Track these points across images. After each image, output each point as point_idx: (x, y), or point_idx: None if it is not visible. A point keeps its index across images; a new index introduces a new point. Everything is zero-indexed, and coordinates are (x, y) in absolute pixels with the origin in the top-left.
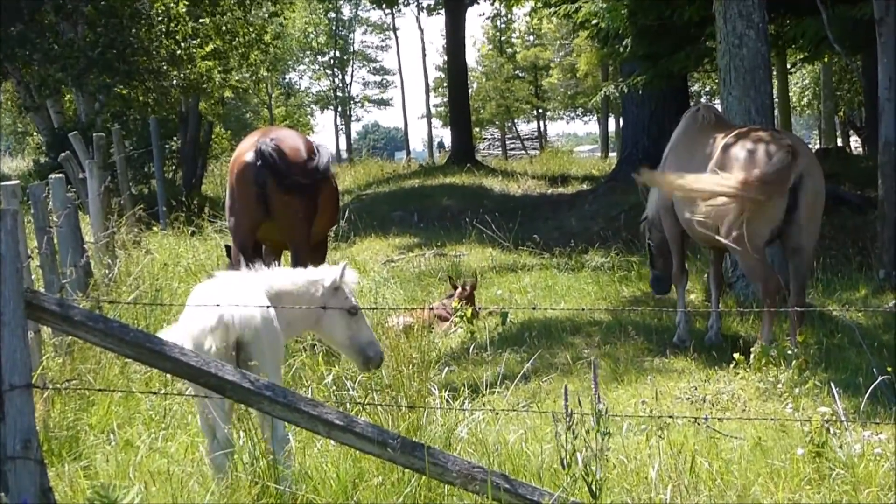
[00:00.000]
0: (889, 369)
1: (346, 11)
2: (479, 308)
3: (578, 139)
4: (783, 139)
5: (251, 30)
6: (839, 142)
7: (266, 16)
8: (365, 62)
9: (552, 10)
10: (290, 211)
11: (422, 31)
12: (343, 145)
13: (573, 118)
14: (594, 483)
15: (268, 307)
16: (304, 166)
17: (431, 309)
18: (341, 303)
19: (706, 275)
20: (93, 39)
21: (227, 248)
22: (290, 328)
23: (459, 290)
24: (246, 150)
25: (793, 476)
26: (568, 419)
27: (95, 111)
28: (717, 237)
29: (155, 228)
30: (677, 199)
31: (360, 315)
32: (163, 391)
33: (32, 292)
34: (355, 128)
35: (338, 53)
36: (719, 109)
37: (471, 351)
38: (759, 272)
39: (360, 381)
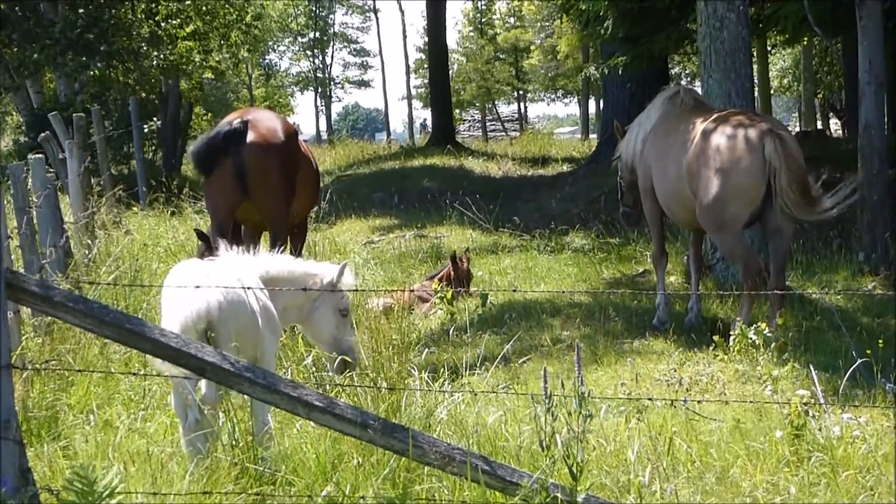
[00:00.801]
0: (868, 352)
1: None
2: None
3: (559, 121)
4: (762, 123)
5: (231, 10)
6: (819, 124)
7: None
8: (345, 43)
9: None
10: (266, 191)
11: (402, 12)
12: (323, 126)
13: (553, 100)
14: (574, 465)
15: (261, 289)
16: (275, 147)
17: (412, 290)
18: (336, 302)
19: (686, 256)
20: (72, 19)
21: (199, 232)
22: (282, 316)
23: (461, 263)
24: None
25: (771, 458)
26: (547, 401)
27: (75, 91)
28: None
29: (135, 209)
30: (657, 183)
31: (349, 318)
32: (142, 372)
33: (12, 273)
34: (335, 109)
35: (318, 34)
36: (699, 92)
37: (451, 333)
38: (739, 254)
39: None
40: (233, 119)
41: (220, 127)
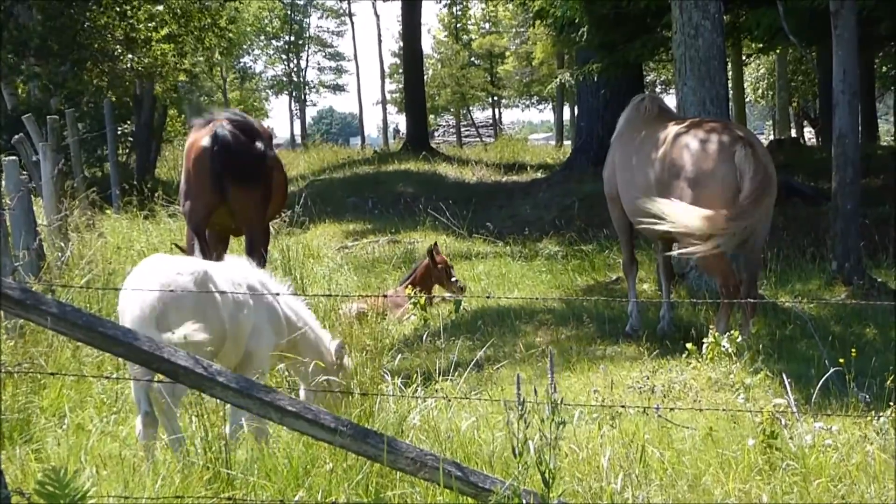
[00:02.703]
0: (841, 361)
1: None
2: (456, 281)
3: (533, 127)
4: (732, 131)
5: (206, 14)
6: (793, 133)
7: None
8: (320, 47)
9: None
10: (246, 196)
11: (378, 16)
12: (297, 130)
13: (528, 106)
14: (547, 472)
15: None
16: (255, 152)
17: (385, 296)
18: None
19: (657, 263)
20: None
21: (178, 247)
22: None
23: (439, 256)
24: (203, 136)
25: (744, 466)
26: (520, 407)
27: (49, 94)
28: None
29: (108, 212)
30: (623, 192)
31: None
32: (115, 375)
33: None
34: (310, 113)
35: (293, 38)
36: (666, 101)
37: (424, 338)
38: (719, 268)
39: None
40: (213, 123)
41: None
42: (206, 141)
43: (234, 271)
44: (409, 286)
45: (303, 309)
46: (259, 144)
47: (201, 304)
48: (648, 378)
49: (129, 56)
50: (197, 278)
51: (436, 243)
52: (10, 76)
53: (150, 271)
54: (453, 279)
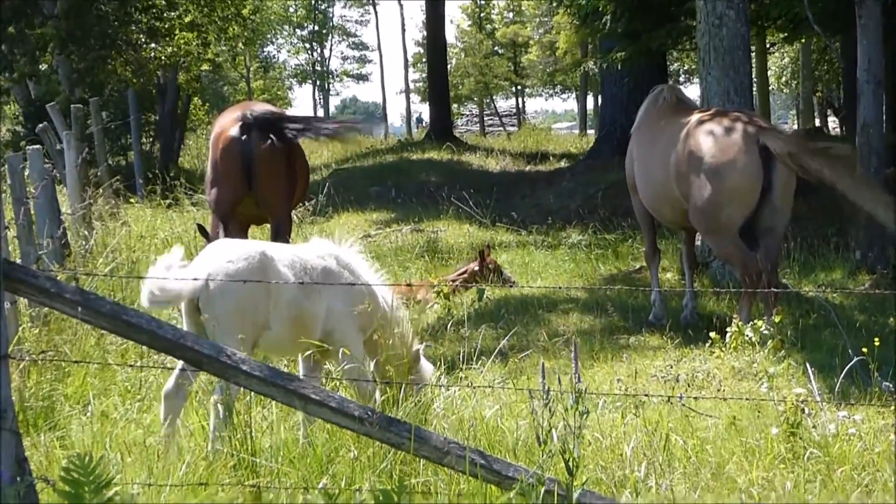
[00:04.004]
0: (864, 350)
1: None
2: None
3: (556, 116)
4: (754, 122)
5: (229, 3)
6: (817, 122)
7: None
8: (344, 36)
9: None
10: (273, 185)
11: (401, 5)
12: None
13: (551, 95)
14: (571, 460)
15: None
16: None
17: (409, 285)
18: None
19: (681, 252)
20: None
21: (200, 227)
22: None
23: (488, 256)
24: (229, 126)
25: (767, 455)
26: (545, 396)
27: (74, 82)
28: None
29: (132, 200)
30: (640, 184)
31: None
32: (139, 363)
33: (10, 264)
34: (333, 102)
35: (317, 27)
36: (694, 91)
37: (448, 327)
38: (736, 257)
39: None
40: (239, 113)
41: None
42: (234, 130)
43: (309, 253)
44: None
45: (389, 295)
46: (287, 131)
47: (252, 292)
48: (672, 367)
49: (153, 45)
50: (250, 267)
51: (488, 245)
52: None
53: (207, 258)
54: (504, 276)
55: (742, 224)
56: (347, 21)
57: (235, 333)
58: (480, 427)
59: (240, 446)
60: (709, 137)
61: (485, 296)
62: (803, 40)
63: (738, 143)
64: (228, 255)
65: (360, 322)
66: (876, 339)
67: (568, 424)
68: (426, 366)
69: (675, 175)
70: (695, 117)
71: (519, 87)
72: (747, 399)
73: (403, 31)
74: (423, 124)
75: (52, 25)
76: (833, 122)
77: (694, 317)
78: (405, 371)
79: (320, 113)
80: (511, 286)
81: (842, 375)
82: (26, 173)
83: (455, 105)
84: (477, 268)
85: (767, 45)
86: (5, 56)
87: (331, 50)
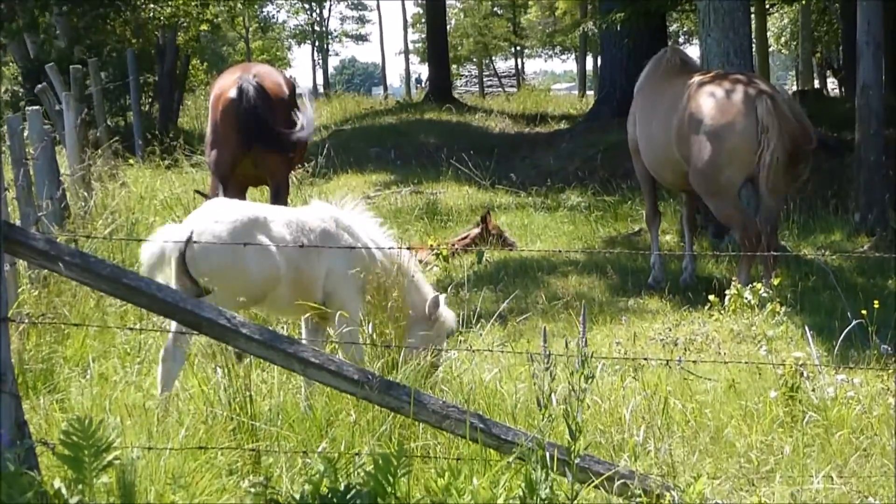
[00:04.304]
0: (863, 313)
1: None
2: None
3: (556, 77)
4: (754, 84)
5: None
6: (816, 83)
7: None
8: None
9: None
10: (272, 149)
11: None
12: (320, 80)
13: (551, 56)
14: (574, 425)
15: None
16: (279, 133)
17: (409, 248)
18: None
19: (681, 215)
20: None
21: (198, 192)
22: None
23: (490, 221)
24: (229, 87)
25: (766, 418)
26: (546, 360)
27: (72, 41)
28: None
29: (131, 161)
30: (642, 146)
31: None
32: (138, 326)
33: (9, 226)
34: (332, 63)
35: None
36: (694, 52)
37: (448, 290)
38: (736, 219)
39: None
40: (240, 74)
41: (240, 84)
42: (233, 93)
43: (309, 215)
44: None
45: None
46: (286, 94)
47: (236, 253)
48: (671, 330)
49: (152, 6)
50: (235, 228)
51: (489, 210)
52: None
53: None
54: (507, 240)
55: (742, 185)
56: None
57: (226, 294)
58: (479, 390)
59: (239, 410)
60: (709, 99)
61: (484, 258)
62: (803, 1)
63: (737, 105)
64: (217, 215)
65: (361, 284)
66: (875, 302)
67: (572, 388)
68: (447, 314)
69: (675, 137)
70: (696, 79)
71: (518, 48)
72: (746, 363)
73: None
74: (423, 85)
75: None
76: (832, 84)
77: (693, 279)
78: (402, 333)
79: (319, 74)
80: (511, 249)
81: (840, 338)
82: (25, 134)
83: (454, 66)
84: (479, 233)
85: (767, 6)
86: (3, 12)
87: (330, 10)
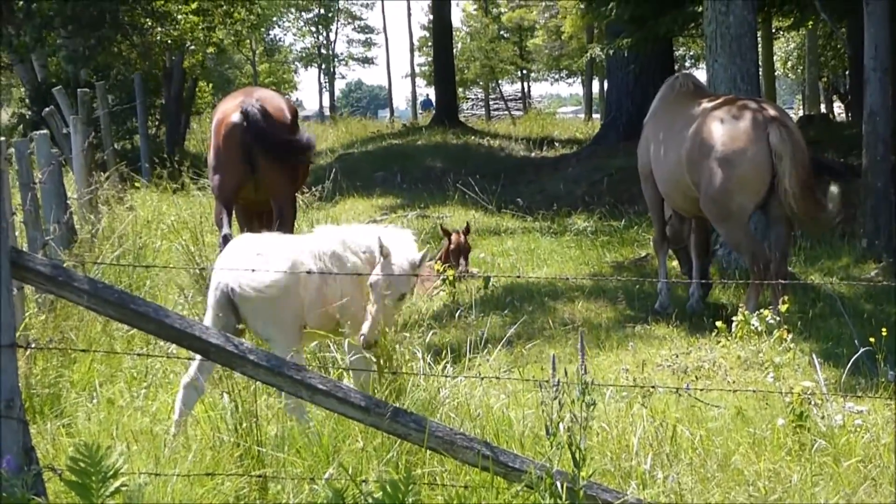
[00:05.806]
0: (871, 340)
1: None
2: (468, 271)
3: (562, 100)
4: (766, 110)
5: None
6: (822, 108)
7: None
8: (350, 20)
9: None
10: (275, 170)
11: None
12: (326, 103)
13: (557, 80)
14: (577, 453)
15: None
16: (290, 141)
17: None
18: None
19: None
20: None
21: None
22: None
23: (454, 235)
24: (232, 111)
25: (774, 446)
26: (555, 389)
27: (78, 66)
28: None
29: (138, 184)
30: (655, 169)
31: None
32: (144, 351)
33: (17, 252)
34: (339, 85)
35: (322, 10)
36: (700, 77)
37: (455, 314)
38: (746, 245)
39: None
40: (243, 99)
41: (244, 108)
42: (235, 117)
43: (318, 242)
44: (438, 262)
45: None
46: (288, 119)
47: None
48: (678, 357)
49: (159, 29)
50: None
51: (468, 225)
52: (36, 49)
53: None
54: (461, 265)
55: (752, 211)
56: (353, 4)
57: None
58: (487, 416)
59: (246, 436)
60: (720, 125)
61: (490, 283)
62: (809, 26)
63: (749, 131)
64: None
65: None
66: (883, 329)
67: (575, 416)
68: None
69: (687, 162)
70: (708, 105)
71: (524, 72)
72: (754, 391)
73: (409, 14)
74: (430, 108)
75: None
76: (839, 108)
77: (700, 305)
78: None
79: (325, 97)
80: (470, 277)
81: (848, 366)
82: (33, 158)
83: (460, 89)
84: (448, 248)
85: (773, 31)
86: (10, 34)
87: (336, 33)
